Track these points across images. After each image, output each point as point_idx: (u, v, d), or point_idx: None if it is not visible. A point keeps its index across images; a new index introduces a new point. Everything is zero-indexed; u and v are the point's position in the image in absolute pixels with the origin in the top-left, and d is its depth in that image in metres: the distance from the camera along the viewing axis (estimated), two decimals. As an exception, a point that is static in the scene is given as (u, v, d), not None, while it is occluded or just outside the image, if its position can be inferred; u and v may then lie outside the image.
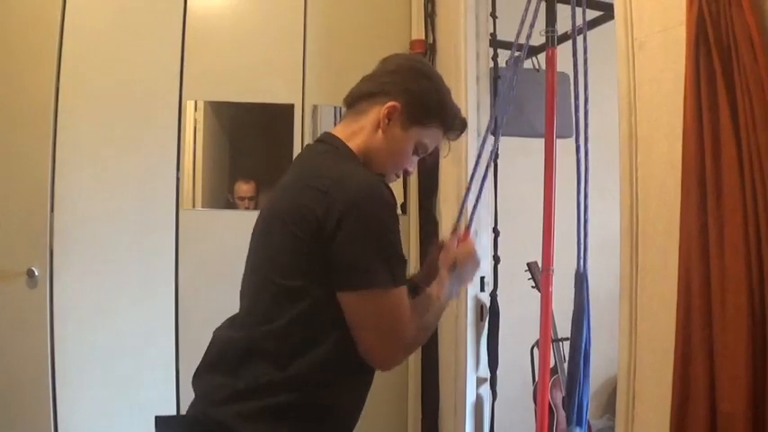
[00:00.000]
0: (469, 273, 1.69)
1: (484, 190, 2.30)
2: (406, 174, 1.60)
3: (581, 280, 2.03)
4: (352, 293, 1.34)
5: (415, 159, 1.59)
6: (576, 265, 1.98)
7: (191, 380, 1.47)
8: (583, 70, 1.97)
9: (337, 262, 1.33)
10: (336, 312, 1.35)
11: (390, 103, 1.48)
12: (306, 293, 1.36)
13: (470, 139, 2.62)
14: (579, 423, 2.05)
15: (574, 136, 2.01)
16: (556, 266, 2.26)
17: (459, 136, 1.59)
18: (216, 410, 1.37)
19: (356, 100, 1.54)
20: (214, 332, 1.52)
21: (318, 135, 1.66)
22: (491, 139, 2.26)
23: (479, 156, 2.24)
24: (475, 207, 2.20)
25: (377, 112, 1.49)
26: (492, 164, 2.43)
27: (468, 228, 1.95)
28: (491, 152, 2.30)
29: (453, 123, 1.55)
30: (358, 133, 1.51)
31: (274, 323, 1.37)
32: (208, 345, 1.50)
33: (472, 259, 1.68)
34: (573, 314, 2.02)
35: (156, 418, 1.46)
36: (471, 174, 2.30)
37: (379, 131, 1.50)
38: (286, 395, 1.35)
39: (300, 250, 1.36)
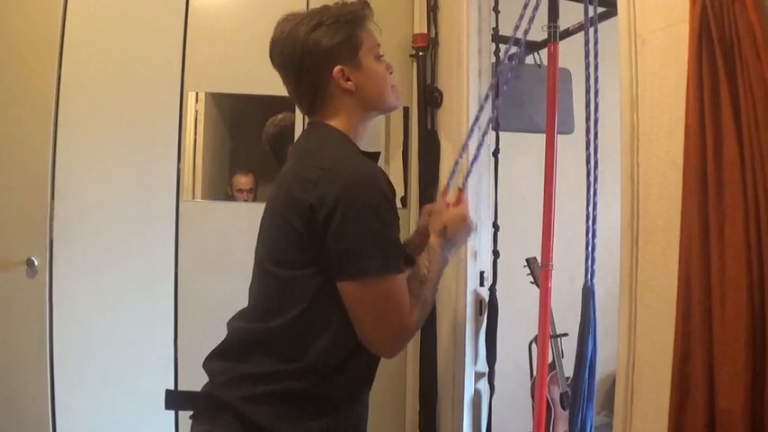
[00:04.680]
0: (462, 238, 1.63)
1: (479, 157, 2.27)
2: (389, 70, 1.60)
3: (588, 294, 1.93)
4: (350, 282, 1.34)
5: (384, 61, 1.59)
6: (583, 281, 1.94)
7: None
8: (593, 65, 1.97)
9: (332, 251, 1.34)
10: (335, 300, 1.36)
11: (335, 70, 1.49)
12: (304, 284, 1.37)
13: (472, 134, 2.61)
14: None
15: (587, 131, 2.00)
16: (555, 262, 2.27)
17: (369, 13, 1.57)
18: (221, 391, 1.42)
19: (311, 105, 1.55)
20: (227, 323, 1.54)
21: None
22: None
23: (477, 119, 2.22)
24: (469, 171, 2.14)
25: (333, 86, 1.50)
26: (491, 157, 2.43)
27: (461, 189, 1.83)
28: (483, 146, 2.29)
29: (355, 18, 1.54)
30: (339, 111, 1.52)
31: (278, 319, 1.39)
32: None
33: (465, 224, 1.63)
34: (579, 329, 1.94)
35: (167, 391, 1.49)
36: (468, 134, 2.27)
37: (349, 92, 1.51)
38: (290, 383, 1.37)
39: (295, 241, 1.38)
